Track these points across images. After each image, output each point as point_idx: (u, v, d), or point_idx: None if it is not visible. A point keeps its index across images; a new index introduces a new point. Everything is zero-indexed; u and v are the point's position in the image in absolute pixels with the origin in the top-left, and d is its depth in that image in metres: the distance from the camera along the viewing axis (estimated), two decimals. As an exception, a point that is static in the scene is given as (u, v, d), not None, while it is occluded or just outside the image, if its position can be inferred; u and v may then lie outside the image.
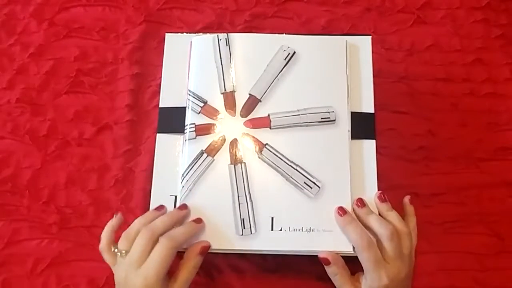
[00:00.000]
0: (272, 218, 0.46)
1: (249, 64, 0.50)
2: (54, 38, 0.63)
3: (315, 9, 0.64)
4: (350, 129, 0.48)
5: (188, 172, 0.47)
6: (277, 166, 0.47)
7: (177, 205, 0.47)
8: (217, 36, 0.50)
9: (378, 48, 0.61)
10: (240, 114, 0.48)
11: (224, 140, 0.48)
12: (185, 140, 0.48)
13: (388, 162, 0.56)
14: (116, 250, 0.43)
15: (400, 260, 0.43)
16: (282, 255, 0.46)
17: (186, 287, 0.43)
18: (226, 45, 0.50)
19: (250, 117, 0.48)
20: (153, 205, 0.47)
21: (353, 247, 0.44)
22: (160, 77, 0.52)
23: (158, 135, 0.50)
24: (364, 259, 0.43)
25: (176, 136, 0.49)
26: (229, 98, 0.49)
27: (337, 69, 0.50)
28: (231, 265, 0.53)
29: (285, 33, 0.51)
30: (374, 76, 0.51)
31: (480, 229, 0.55)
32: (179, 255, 0.43)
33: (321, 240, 0.45)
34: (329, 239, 0.45)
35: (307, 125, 0.48)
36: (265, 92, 0.49)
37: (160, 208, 0.46)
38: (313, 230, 0.46)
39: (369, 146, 0.49)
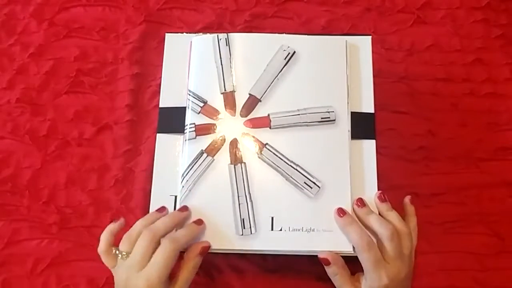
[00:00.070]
0: (272, 218, 0.46)
1: (249, 64, 0.50)
2: (54, 38, 0.63)
3: (315, 9, 0.64)
4: (350, 129, 0.48)
5: (188, 172, 0.47)
6: (277, 166, 0.47)
7: (177, 205, 0.47)
8: (217, 36, 0.50)
9: (378, 48, 0.61)
10: (240, 114, 0.48)
11: (224, 140, 0.48)
12: (185, 140, 0.48)
13: (388, 162, 0.56)
14: (117, 252, 0.43)
15: (400, 260, 0.43)
16: (282, 255, 0.46)
17: (186, 287, 0.43)
18: (226, 45, 0.50)
19: (250, 117, 0.48)
20: (153, 205, 0.47)
21: (353, 247, 0.44)
22: (160, 77, 0.52)
23: (158, 135, 0.50)
24: (364, 259, 0.43)
25: (176, 136, 0.49)
26: (229, 98, 0.49)
27: (337, 69, 0.50)
28: (231, 265, 0.53)
29: (285, 33, 0.51)
30: (374, 76, 0.51)
31: (480, 229, 0.55)
32: (179, 255, 0.43)
33: (321, 240, 0.45)
34: (329, 239, 0.45)
35: (307, 125, 0.48)
36: (265, 92, 0.49)
37: (162, 209, 0.46)
38: (313, 230, 0.46)
39: (369, 146, 0.49)
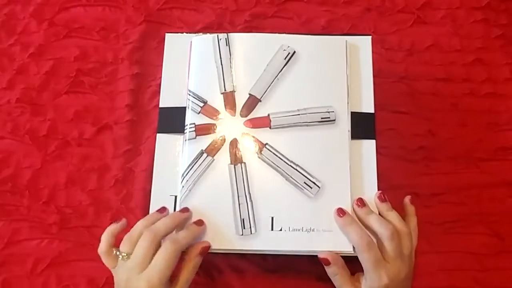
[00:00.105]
0: (272, 218, 0.46)
1: (249, 64, 0.50)
2: (54, 38, 0.63)
3: (315, 9, 0.64)
4: (350, 129, 0.48)
5: (188, 172, 0.47)
6: (277, 166, 0.47)
7: (177, 205, 0.47)
8: (217, 36, 0.50)
9: (378, 48, 0.61)
10: (240, 114, 0.48)
11: (224, 140, 0.48)
12: (185, 140, 0.48)
13: (388, 162, 0.56)
14: (117, 253, 0.42)
15: (400, 260, 0.43)
16: (282, 255, 0.46)
17: (187, 287, 0.43)
18: (226, 45, 0.50)
19: (250, 117, 0.48)
20: (153, 205, 0.47)
21: (353, 247, 0.44)
22: (160, 77, 0.52)
23: (158, 135, 0.50)
24: (364, 259, 0.43)
25: (176, 136, 0.49)
26: (229, 98, 0.49)
27: (337, 69, 0.50)
28: (231, 265, 0.53)
29: (285, 33, 0.51)
30: (374, 76, 0.51)
31: (480, 229, 0.55)
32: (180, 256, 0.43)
33: (321, 240, 0.45)
34: (329, 239, 0.45)
35: (307, 125, 0.48)
36: (265, 92, 0.49)
37: (162, 210, 0.46)
38: (313, 230, 0.46)
39: (369, 146, 0.49)
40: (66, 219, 0.55)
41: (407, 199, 0.50)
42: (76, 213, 0.55)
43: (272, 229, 0.46)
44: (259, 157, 0.47)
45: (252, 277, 0.52)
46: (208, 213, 0.46)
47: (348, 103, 0.49)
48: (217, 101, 0.49)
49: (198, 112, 0.49)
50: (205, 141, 0.48)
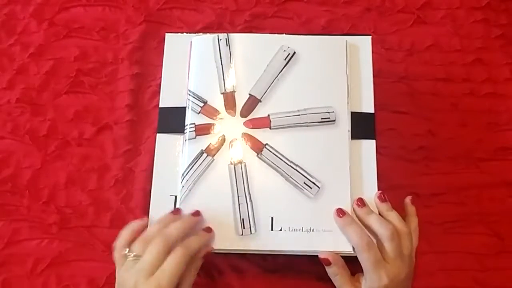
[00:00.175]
0: (272, 218, 0.46)
1: (249, 64, 0.50)
2: (54, 38, 0.63)
3: (315, 9, 0.64)
4: (350, 129, 0.48)
5: (188, 172, 0.47)
6: (277, 166, 0.47)
7: (177, 204, 0.47)
8: (217, 36, 0.50)
9: (378, 48, 0.61)
10: (240, 114, 0.48)
11: (224, 140, 0.48)
12: (185, 140, 0.48)
13: (388, 162, 0.56)
14: (127, 252, 0.42)
15: (400, 260, 0.43)
16: (282, 255, 0.46)
17: None
18: (226, 45, 0.50)
19: (250, 117, 0.48)
20: (153, 205, 0.47)
21: (353, 247, 0.44)
22: (160, 77, 0.52)
23: (158, 135, 0.50)
24: (364, 260, 0.43)
25: (176, 136, 0.49)
26: (229, 98, 0.49)
27: (337, 69, 0.50)
28: (231, 265, 0.53)
29: (285, 33, 0.51)
30: (374, 76, 0.51)
31: (480, 229, 0.55)
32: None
33: (321, 240, 0.45)
34: (329, 239, 0.45)
35: (307, 125, 0.48)
36: (265, 92, 0.49)
37: (177, 211, 0.46)
38: (313, 230, 0.46)
39: (369, 146, 0.49)
40: (66, 219, 0.55)
41: (407, 199, 0.50)
42: (76, 213, 0.55)
43: (272, 229, 0.46)
44: (259, 157, 0.47)
45: (252, 277, 0.52)
46: (208, 213, 0.46)
47: (348, 103, 0.49)
48: (217, 101, 0.49)
49: (198, 112, 0.49)
50: (205, 141, 0.48)
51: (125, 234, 0.44)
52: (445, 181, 0.56)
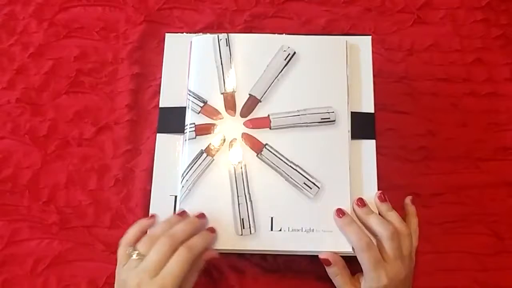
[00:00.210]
0: (272, 218, 0.46)
1: (249, 64, 0.50)
2: (54, 38, 0.63)
3: (315, 9, 0.64)
4: (350, 129, 0.48)
5: (188, 172, 0.47)
6: (277, 166, 0.47)
7: (177, 205, 0.47)
8: (217, 36, 0.50)
9: (378, 48, 0.61)
10: (240, 114, 0.48)
11: (224, 140, 0.48)
12: (185, 140, 0.48)
13: (388, 162, 0.56)
14: (131, 251, 0.42)
15: (400, 260, 0.43)
16: (282, 255, 0.46)
17: None
18: (226, 45, 0.50)
19: (250, 117, 0.48)
20: (153, 205, 0.48)
21: (353, 248, 0.44)
22: (160, 77, 0.52)
23: (158, 135, 0.50)
24: (363, 260, 0.43)
25: (176, 136, 0.49)
26: (229, 98, 0.49)
27: (337, 69, 0.50)
28: (231, 265, 0.53)
29: (285, 33, 0.51)
30: (374, 76, 0.51)
31: (480, 229, 0.55)
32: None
33: (321, 240, 0.45)
34: (328, 240, 0.45)
35: (307, 126, 0.48)
36: (265, 92, 0.49)
37: (183, 213, 0.46)
38: (313, 231, 0.46)
39: (369, 146, 0.49)
40: (66, 219, 0.55)
41: (407, 199, 0.50)
42: (76, 213, 0.55)
43: (271, 229, 0.46)
44: (259, 157, 0.47)
45: (252, 277, 0.52)
46: (208, 213, 0.46)
47: (348, 103, 0.49)
48: (217, 101, 0.49)
49: (198, 112, 0.49)
50: (205, 141, 0.48)
51: (132, 231, 0.44)
52: (445, 181, 0.56)
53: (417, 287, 0.47)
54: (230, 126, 0.48)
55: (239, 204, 0.46)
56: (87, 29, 0.63)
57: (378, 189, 0.47)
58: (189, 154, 0.47)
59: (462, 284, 0.53)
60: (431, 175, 0.57)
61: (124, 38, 0.62)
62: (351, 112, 0.49)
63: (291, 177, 0.47)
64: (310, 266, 0.51)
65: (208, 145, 0.48)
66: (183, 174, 0.47)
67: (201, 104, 0.49)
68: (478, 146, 0.58)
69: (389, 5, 0.64)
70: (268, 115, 0.48)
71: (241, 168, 0.47)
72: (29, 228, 0.55)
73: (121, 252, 0.43)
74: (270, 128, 0.48)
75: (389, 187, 0.48)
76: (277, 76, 0.49)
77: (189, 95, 0.49)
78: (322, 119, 0.48)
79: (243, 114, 0.48)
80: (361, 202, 0.46)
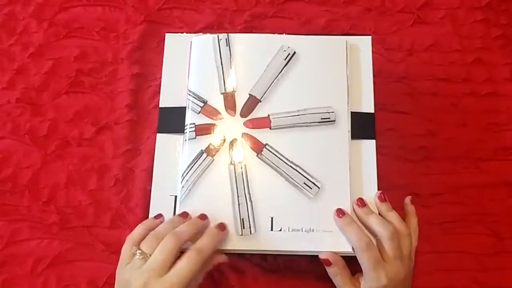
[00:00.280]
0: (272, 218, 0.46)
1: (249, 64, 0.50)
2: (54, 38, 0.63)
3: (315, 9, 0.64)
4: (350, 129, 0.48)
5: (188, 172, 0.47)
6: (277, 166, 0.47)
7: (177, 204, 0.47)
8: (217, 36, 0.50)
9: (378, 48, 0.61)
10: (240, 114, 0.48)
11: (224, 140, 0.48)
12: (185, 140, 0.48)
13: (388, 162, 0.56)
14: (135, 250, 0.42)
15: (400, 260, 0.43)
16: (282, 255, 0.46)
17: None
18: (226, 45, 0.50)
19: (250, 117, 0.48)
20: (153, 205, 0.48)
21: (353, 248, 0.44)
22: (160, 77, 0.52)
23: (158, 135, 0.50)
24: (363, 260, 0.43)
25: (176, 136, 0.49)
26: (229, 98, 0.49)
27: (337, 69, 0.50)
28: (231, 265, 0.53)
29: (285, 33, 0.51)
30: (374, 76, 0.51)
31: (479, 229, 0.55)
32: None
33: (321, 240, 0.45)
34: (328, 240, 0.45)
35: (307, 126, 0.48)
36: (265, 92, 0.49)
37: (185, 215, 0.45)
38: (313, 231, 0.46)
39: (369, 146, 0.49)
40: (66, 219, 0.55)
41: (407, 199, 0.50)
42: (76, 213, 0.55)
43: (271, 229, 0.46)
44: (259, 157, 0.47)
45: (252, 277, 0.52)
46: (208, 213, 0.46)
47: (348, 103, 0.49)
48: (217, 101, 0.49)
49: (198, 112, 0.49)
50: (205, 141, 0.48)
51: (139, 230, 0.44)
52: (445, 181, 0.56)
53: (416, 287, 0.47)
54: (230, 126, 0.48)
55: (239, 204, 0.46)
56: (87, 29, 0.63)
57: (378, 189, 0.47)
58: (189, 154, 0.47)
59: (461, 284, 0.53)
60: (431, 175, 0.57)
61: (124, 38, 0.62)
62: (351, 112, 0.49)
63: (291, 177, 0.47)
64: (310, 266, 0.51)
65: (208, 145, 0.48)
66: (183, 174, 0.47)
67: (201, 104, 0.49)
68: (478, 146, 0.58)
69: (389, 5, 0.64)
70: (268, 115, 0.48)
71: (241, 168, 0.47)
72: (29, 228, 0.55)
73: (126, 250, 0.43)
74: (270, 128, 0.48)
75: (389, 187, 0.48)
76: (277, 76, 0.49)
77: (189, 95, 0.49)
78: (322, 119, 0.48)
79: (243, 114, 0.48)
80: (361, 202, 0.46)
